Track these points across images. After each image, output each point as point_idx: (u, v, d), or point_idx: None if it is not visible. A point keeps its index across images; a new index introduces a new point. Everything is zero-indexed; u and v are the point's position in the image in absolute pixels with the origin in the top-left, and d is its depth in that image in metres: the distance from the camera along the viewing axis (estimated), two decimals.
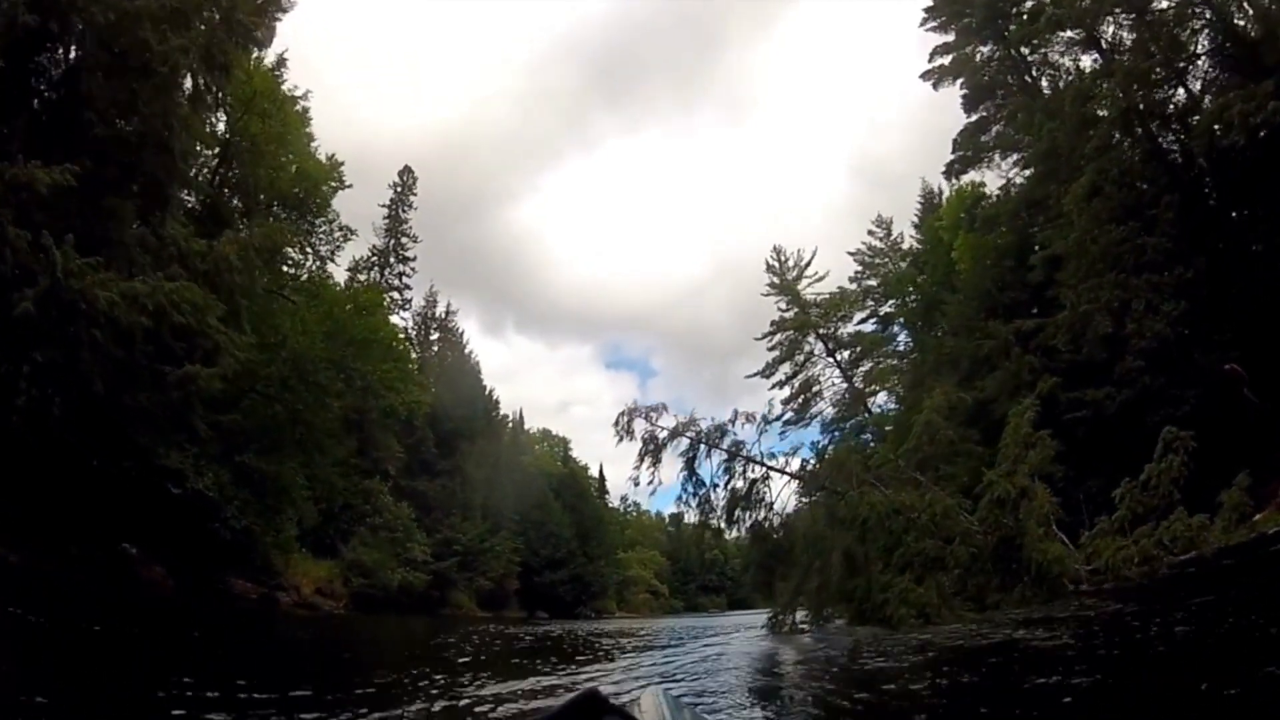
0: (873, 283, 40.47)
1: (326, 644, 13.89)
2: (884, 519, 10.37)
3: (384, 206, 45.76)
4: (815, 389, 38.96)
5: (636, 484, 14.18)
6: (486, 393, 53.30)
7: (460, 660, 11.20)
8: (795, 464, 14.56)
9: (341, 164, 24.50)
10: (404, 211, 46.10)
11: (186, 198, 20.63)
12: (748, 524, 13.72)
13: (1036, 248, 23.22)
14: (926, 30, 30.07)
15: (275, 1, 18.55)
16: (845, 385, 38.59)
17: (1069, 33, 25.31)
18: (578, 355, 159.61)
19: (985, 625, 9.29)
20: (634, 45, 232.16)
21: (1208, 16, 20.43)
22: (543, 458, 66.55)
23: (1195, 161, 20.29)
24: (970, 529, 10.01)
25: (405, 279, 45.26)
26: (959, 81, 29.74)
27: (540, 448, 69.62)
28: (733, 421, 13.95)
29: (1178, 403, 16.69)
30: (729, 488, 13.57)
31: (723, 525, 13.99)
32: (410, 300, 46.19)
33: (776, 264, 39.62)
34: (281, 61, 23.68)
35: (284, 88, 23.36)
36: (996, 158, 28.00)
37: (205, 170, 21.86)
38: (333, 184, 23.21)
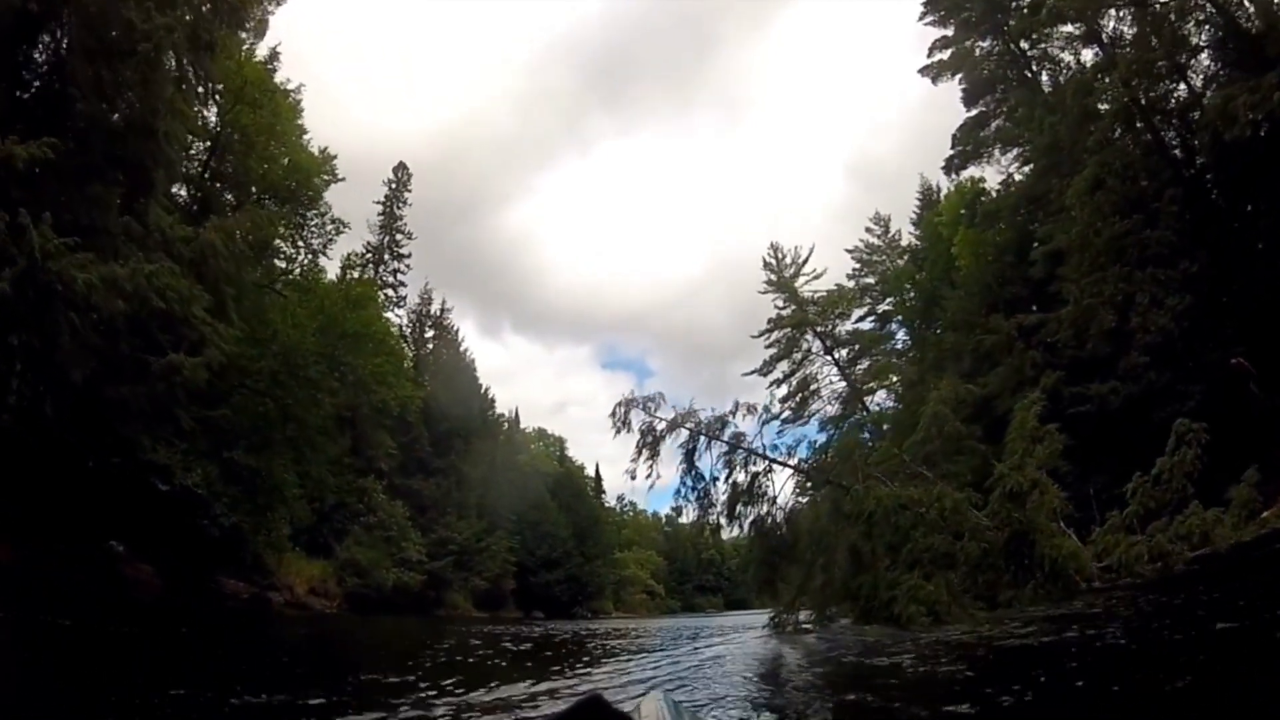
0: (870, 280, 40.23)
1: (317, 645, 13.55)
2: (891, 514, 10.04)
3: (379, 203, 45.42)
4: (813, 387, 38.71)
5: (634, 477, 13.72)
6: (482, 392, 52.96)
7: (455, 662, 10.87)
8: (796, 460, 14.21)
9: (334, 157, 24.19)
10: (399, 208, 45.71)
11: (179, 193, 20.38)
12: (749, 520, 13.37)
13: (1036, 245, 23.04)
14: (925, 24, 29.79)
15: None
16: (843, 383, 38.41)
17: (1069, 27, 25.19)
18: (575, 356, 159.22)
19: (998, 624, 8.96)
20: (630, 46, 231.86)
21: (1208, 10, 20.28)
22: (539, 457, 66.21)
23: (1199, 154, 20.16)
24: (980, 524, 9.69)
25: (400, 276, 44.93)
26: (958, 77, 29.50)
27: (536, 447, 69.26)
28: (733, 413, 13.62)
29: (1183, 398, 16.48)
30: (730, 481, 13.23)
31: (723, 521, 13.57)
32: (405, 298, 45.92)
33: (774, 261, 39.37)
34: (275, 55, 23.40)
35: (276, 81, 23.13)
36: (996, 153, 27.79)
37: (196, 163, 21.56)
38: (325, 177, 22.88)
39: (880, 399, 36.31)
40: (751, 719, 5.57)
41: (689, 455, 13.36)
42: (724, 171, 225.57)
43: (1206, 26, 20.71)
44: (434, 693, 6.70)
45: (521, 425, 66.34)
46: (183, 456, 16.75)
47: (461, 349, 50.87)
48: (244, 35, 22.05)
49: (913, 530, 10.00)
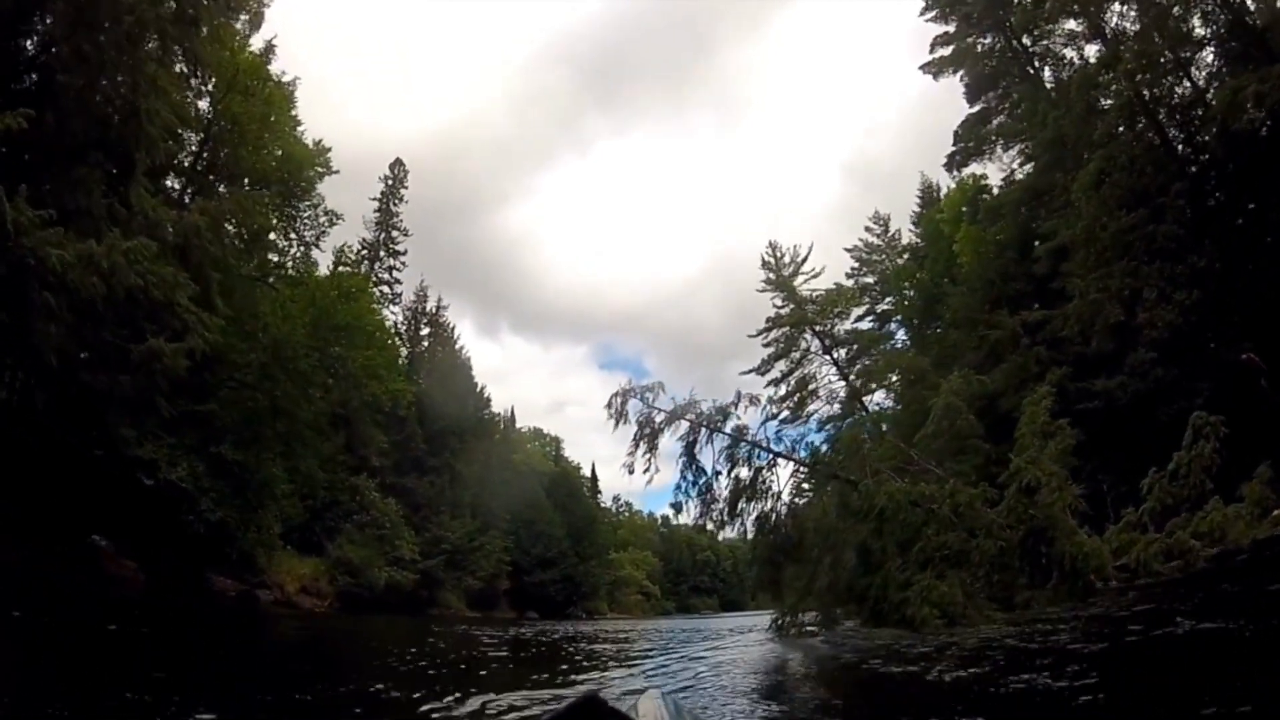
0: (870, 280, 39.95)
1: (301, 646, 13.09)
2: (902, 510, 9.61)
3: (375, 200, 44.94)
4: (811, 387, 38.36)
5: (631, 471, 13.07)
6: (478, 390, 52.45)
7: (448, 663, 10.47)
8: (801, 455, 13.73)
9: (328, 150, 23.78)
10: (395, 205, 45.21)
11: (172, 185, 19.94)
12: (752, 517, 12.86)
13: (1036, 243, 22.76)
14: (926, 20, 29.54)
15: None
16: (842, 383, 38.08)
17: (1072, 23, 24.98)
18: (572, 356, 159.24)
19: (1016, 626, 8.52)
20: (628, 46, 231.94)
21: (1212, 4, 20.08)
22: (534, 456, 65.74)
23: (1204, 150, 19.93)
24: (995, 521, 9.26)
25: (395, 273, 44.41)
26: (959, 73, 29.25)
27: (532, 446, 68.82)
28: (735, 405, 13.16)
29: (1191, 395, 16.20)
30: (732, 476, 12.74)
31: (724, 518, 12.99)
32: (400, 295, 45.38)
33: (772, 260, 39.03)
34: (270, 48, 22.95)
35: (270, 72, 22.71)
36: (999, 149, 27.55)
37: (188, 154, 21.12)
38: (319, 169, 22.43)
39: (879, 399, 36.00)
40: (752, 717, 5.26)
41: (689, 448, 12.81)
42: (721, 171, 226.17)
43: (1210, 24, 20.52)
44: (424, 698, 6.32)
45: (517, 425, 65.97)
46: (169, 451, 16.29)
47: (457, 347, 50.43)
48: (239, 26, 21.69)
49: (924, 527, 9.54)
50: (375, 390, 21.40)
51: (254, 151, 20.15)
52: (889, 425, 26.58)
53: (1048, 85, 25.96)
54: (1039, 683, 5.00)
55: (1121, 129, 20.73)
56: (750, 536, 13.33)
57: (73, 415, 13.19)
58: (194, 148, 21.24)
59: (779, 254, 40.28)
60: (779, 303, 40.30)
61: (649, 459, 12.95)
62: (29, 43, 12.87)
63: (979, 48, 28.30)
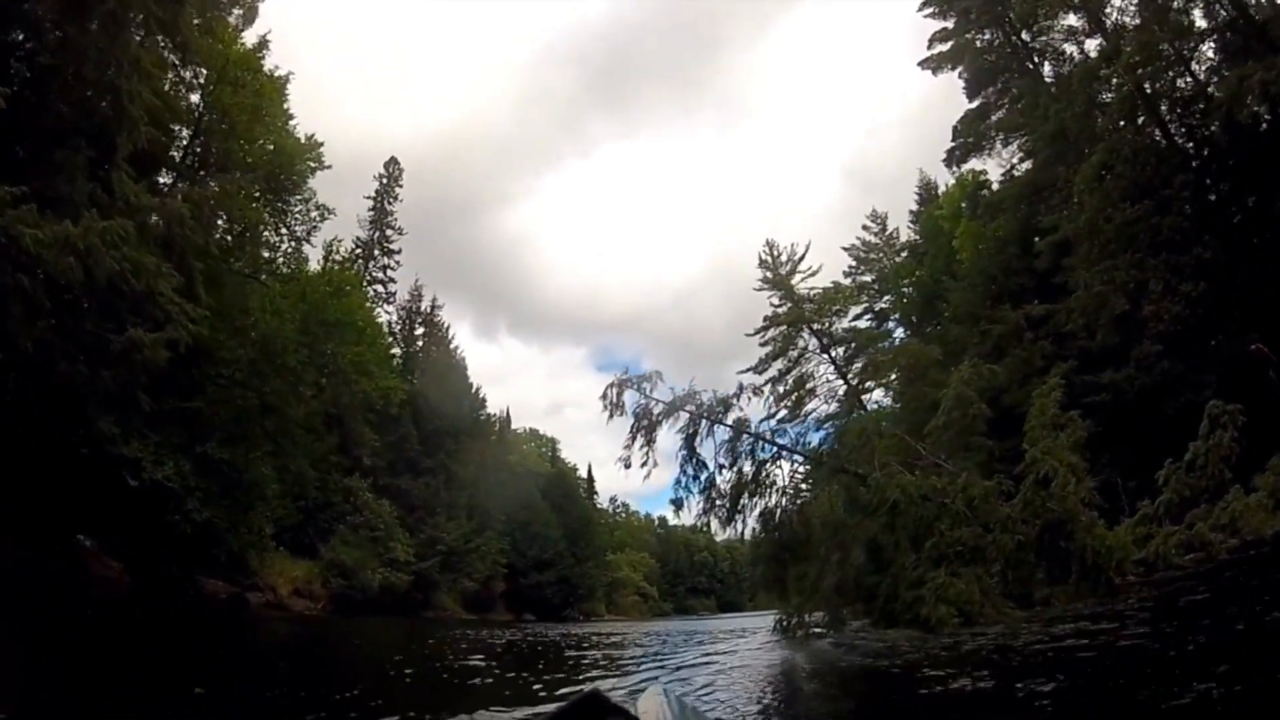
0: (868, 278, 39.76)
1: (290, 648, 12.69)
2: (914, 504, 9.21)
3: (369, 198, 44.56)
4: (809, 385, 38.10)
5: (627, 465, 12.48)
6: (473, 390, 52.01)
7: (444, 668, 10.10)
8: (806, 448, 13.26)
9: (320, 145, 23.34)
10: (389, 203, 44.86)
11: (163, 181, 19.54)
12: (755, 512, 12.40)
13: (1036, 239, 22.55)
14: (925, 16, 29.36)
15: None
16: (840, 381, 37.81)
17: (1072, 18, 24.85)
18: (570, 358, 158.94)
19: (1038, 624, 8.07)
20: (630, 48, 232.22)
21: None
22: (530, 457, 65.32)
23: (1205, 144, 19.77)
24: (1011, 515, 8.89)
25: (390, 272, 44.04)
26: (958, 69, 29.08)
27: (528, 447, 68.37)
28: (737, 396, 12.79)
29: (1198, 388, 15.97)
30: (735, 470, 12.29)
31: (727, 515, 12.47)
32: (395, 294, 44.99)
33: (769, 258, 38.77)
34: (264, 44, 22.54)
35: (264, 67, 22.34)
36: (999, 145, 27.34)
37: (178, 149, 20.74)
38: (311, 164, 22.01)
39: (878, 397, 35.73)
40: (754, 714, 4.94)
41: (689, 440, 12.28)
42: (723, 173, 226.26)
43: (1211, 18, 20.38)
44: (416, 703, 5.96)
45: (514, 425, 65.49)
46: (154, 450, 15.86)
47: (452, 346, 49.94)
48: (232, 21, 21.31)
49: (936, 522, 9.15)
50: (366, 387, 20.95)
51: (244, 144, 19.73)
52: (889, 423, 26.27)
53: (1047, 80, 25.79)
54: (1075, 686, 4.67)
55: (1123, 123, 20.57)
56: (753, 534, 12.84)
57: (56, 411, 12.77)
58: (184, 142, 20.88)
59: (776, 252, 40.06)
60: (776, 301, 40.07)
61: (646, 452, 12.43)
62: (19, 33, 12.54)
63: (978, 43, 28.13)
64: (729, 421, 12.39)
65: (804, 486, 13.08)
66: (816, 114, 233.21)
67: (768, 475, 12.35)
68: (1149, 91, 20.57)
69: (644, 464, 12.56)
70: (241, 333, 17.14)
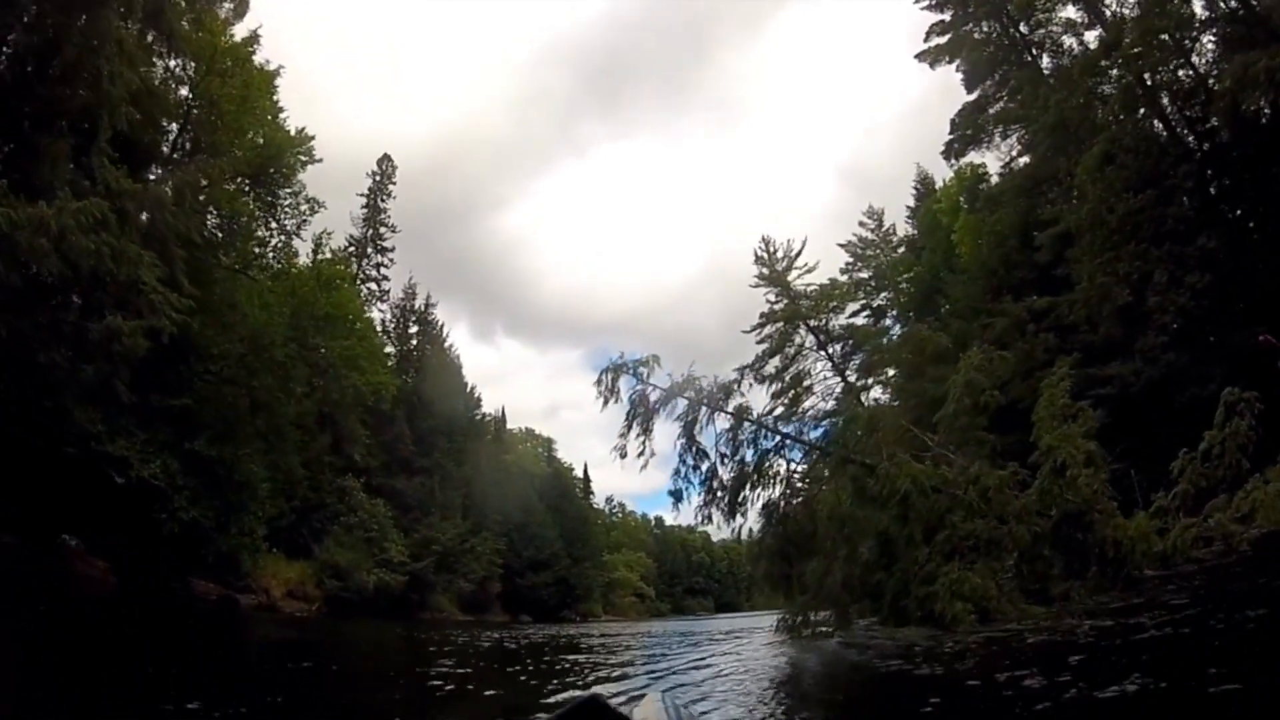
0: (864, 275, 39.52)
1: (279, 652, 12.27)
2: (926, 495, 8.84)
3: (362, 195, 44.12)
4: (806, 383, 37.87)
5: (623, 455, 11.81)
6: (468, 390, 51.61)
7: (438, 670, 9.75)
8: (812, 438, 12.81)
9: (311, 138, 22.93)
10: (383, 200, 44.40)
11: (153, 177, 19.16)
12: (758, 505, 12.00)
13: (1036, 232, 22.32)
14: (922, 9, 29.13)
15: None
16: (837, 379, 37.57)
17: (1071, 9, 24.67)
18: (567, 359, 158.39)
19: (1057, 620, 7.67)
20: (626, 49, 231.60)
21: None
22: (526, 457, 64.88)
23: (1209, 135, 19.60)
24: (1028, 506, 8.55)
25: (383, 270, 43.59)
26: (955, 63, 28.86)
27: (524, 447, 67.92)
28: (738, 382, 12.43)
29: (1204, 380, 15.74)
30: (736, 459, 11.89)
31: (728, 507, 12.01)
32: (388, 292, 44.51)
33: (765, 255, 38.49)
34: (255, 38, 22.12)
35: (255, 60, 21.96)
36: (997, 137, 27.12)
37: (165, 143, 20.35)
38: (301, 157, 21.60)
39: (876, 395, 35.46)
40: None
41: (689, 428, 11.78)
42: (719, 175, 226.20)
43: (1211, 9, 20.20)
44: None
45: (510, 426, 65.07)
46: (141, 448, 15.46)
47: (447, 345, 49.51)
48: (221, 14, 20.91)
49: (948, 514, 8.79)
50: (357, 382, 20.54)
51: (233, 135, 19.31)
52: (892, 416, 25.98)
53: (1046, 73, 25.61)
54: (1119, 688, 4.35)
55: (1123, 116, 20.38)
56: (755, 528, 12.42)
57: (39, 407, 12.39)
58: (174, 135, 20.51)
59: (772, 249, 39.83)
60: (772, 298, 39.82)
61: (643, 441, 11.84)
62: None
63: (976, 35, 27.92)
64: (730, 409, 11.95)
65: (810, 477, 12.58)
66: (812, 114, 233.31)
67: (771, 466, 11.93)
68: (1149, 84, 20.40)
69: (640, 454, 11.99)
70: (230, 328, 16.74)
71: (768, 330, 43.45)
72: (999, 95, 27.53)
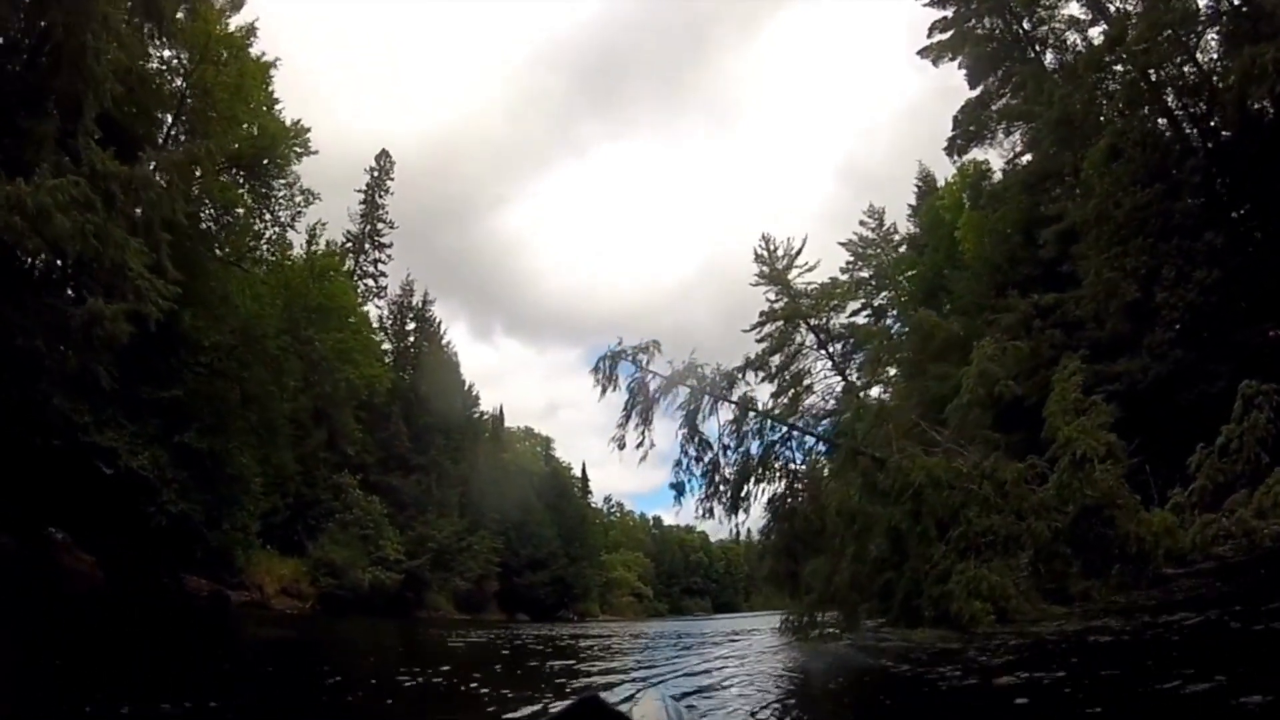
0: (865, 274, 39.27)
1: (267, 650, 11.93)
2: (940, 489, 8.48)
3: (360, 191, 43.80)
4: (806, 382, 37.62)
5: (621, 446, 11.23)
6: (466, 387, 51.25)
7: (434, 670, 9.43)
8: (819, 428, 12.43)
9: (307, 130, 22.63)
10: (380, 197, 44.10)
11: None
12: (764, 499, 11.55)
13: (1039, 230, 22.09)
14: (924, 5, 28.92)
15: None
16: (838, 378, 37.33)
17: (1074, 6, 24.47)
18: (565, 359, 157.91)
19: (1083, 621, 7.30)
20: (623, 50, 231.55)
21: None
22: (524, 456, 64.51)
23: (1214, 132, 19.40)
24: (1046, 500, 8.22)
25: (381, 266, 43.27)
26: (958, 61, 28.67)
27: (522, 446, 67.54)
28: (743, 370, 12.06)
29: (1212, 378, 15.51)
30: (741, 451, 11.47)
31: (728, 502, 11.55)
32: (385, 288, 44.20)
33: (765, 253, 38.23)
34: (251, 30, 21.80)
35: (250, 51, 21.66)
36: (1000, 134, 26.93)
37: (161, 134, 20.04)
38: (296, 149, 21.28)
39: (876, 394, 35.21)
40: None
41: (690, 417, 11.25)
42: (717, 175, 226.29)
43: (1215, 3, 19.99)
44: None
45: (507, 424, 64.70)
46: (130, 439, 15.14)
47: (444, 342, 49.16)
48: (217, 2, 20.58)
49: (963, 509, 8.45)
50: (349, 375, 20.19)
51: (226, 124, 18.96)
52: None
53: (1050, 69, 25.41)
54: (1150, 691, 4.06)
55: (1128, 112, 20.17)
56: (759, 524, 12.00)
57: (19, 396, 12.07)
58: (168, 126, 20.21)
59: (772, 247, 39.57)
60: (773, 296, 39.53)
61: (642, 431, 11.24)
62: None
63: (979, 31, 27.72)
64: (734, 398, 11.54)
65: (818, 470, 12.17)
66: (809, 114, 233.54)
67: (777, 458, 11.50)
68: (1154, 79, 20.20)
69: (640, 444, 11.40)
70: (222, 320, 16.42)
71: (768, 329, 43.15)
72: (1002, 92, 27.32)
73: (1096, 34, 23.45)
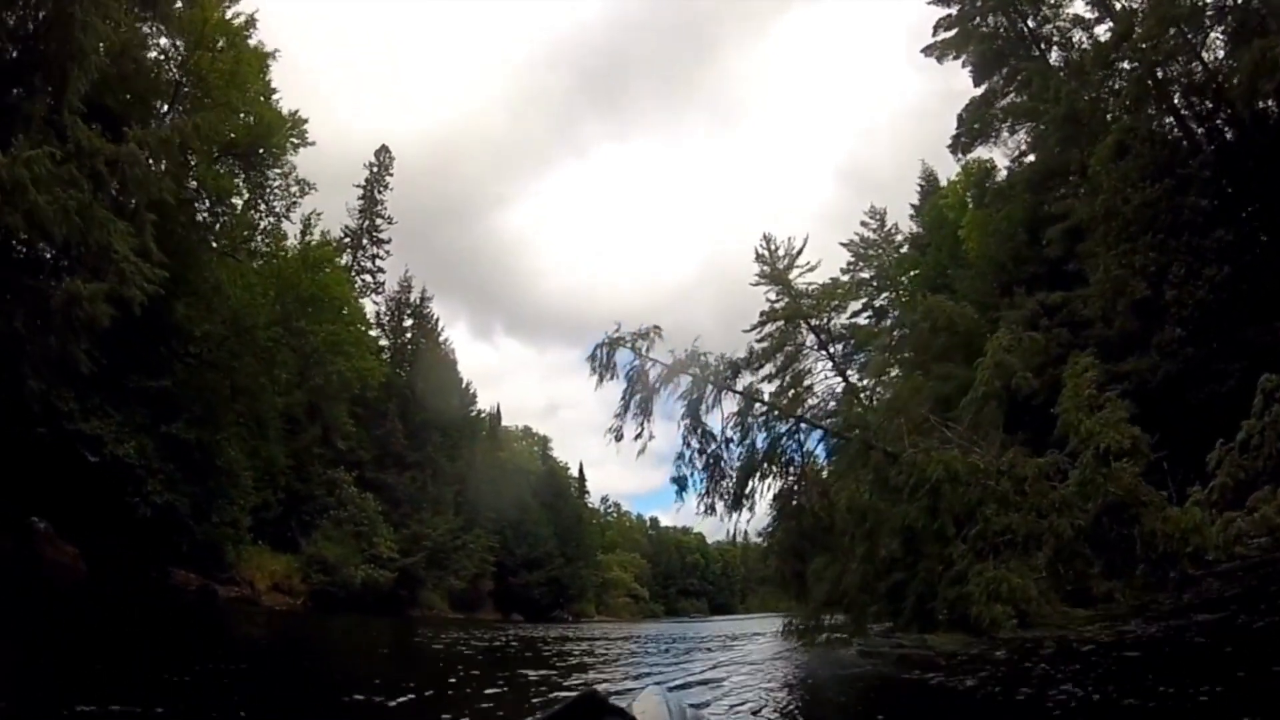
0: (866, 275, 38.99)
1: (250, 648, 11.53)
2: (960, 485, 8.08)
3: (359, 186, 43.46)
4: (806, 383, 37.33)
5: (619, 437, 10.57)
6: (463, 385, 50.87)
7: (430, 671, 9.08)
8: (828, 422, 12.03)
9: (305, 121, 22.30)
10: (379, 192, 43.77)
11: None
12: (769, 495, 11.06)
13: (1045, 229, 21.84)
14: (928, 3, 28.69)
15: None
16: (839, 380, 37.06)
17: (1079, 4, 24.28)
18: (566, 359, 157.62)
19: (1108, 624, 6.92)
20: (626, 51, 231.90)
21: None
22: (521, 454, 64.09)
23: (1219, 133, 19.19)
24: (1068, 498, 7.85)
25: (379, 261, 42.92)
26: (961, 59, 28.45)
27: (519, 445, 67.14)
28: (748, 360, 11.69)
29: (1222, 377, 15.25)
30: (746, 444, 10.97)
31: (730, 498, 11.04)
32: (383, 284, 43.83)
33: (766, 252, 37.93)
34: (251, 21, 21.44)
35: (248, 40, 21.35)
36: (1005, 132, 26.68)
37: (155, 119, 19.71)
38: (292, 139, 20.94)
39: (878, 394, 34.94)
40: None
41: (693, 407, 10.67)
42: (718, 175, 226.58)
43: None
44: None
45: (504, 422, 64.32)
46: (117, 428, 14.78)
47: (441, 339, 48.80)
48: None
49: (980, 507, 8.08)
50: (341, 367, 19.81)
51: (221, 110, 18.58)
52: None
53: (1055, 68, 25.20)
54: (1185, 696, 3.74)
55: (1134, 109, 19.94)
56: (764, 521, 11.55)
57: (2, 382, 11.72)
58: (163, 113, 19.88)
59: (773, 246, 39.27)
60: (773, 296, 39.24)
61: (641, 422, 10.55)
62: None
63: (984, 29, 27.51)
64: (739, 388, 11.11)
65: (826, 466, 11.80)
66: (812, 116, 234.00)
67: (783, 452, 11.09)
68: (1160, 77, 19.98)
69: (638, 435, 10.69)
70: (213, 310, 16.07)
71: (768, 329, 42.89)
72: (1007, 89, 27.09)
73: (1103, 32, 23.28)
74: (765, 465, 11.01)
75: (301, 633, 16.60)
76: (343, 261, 36.94)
